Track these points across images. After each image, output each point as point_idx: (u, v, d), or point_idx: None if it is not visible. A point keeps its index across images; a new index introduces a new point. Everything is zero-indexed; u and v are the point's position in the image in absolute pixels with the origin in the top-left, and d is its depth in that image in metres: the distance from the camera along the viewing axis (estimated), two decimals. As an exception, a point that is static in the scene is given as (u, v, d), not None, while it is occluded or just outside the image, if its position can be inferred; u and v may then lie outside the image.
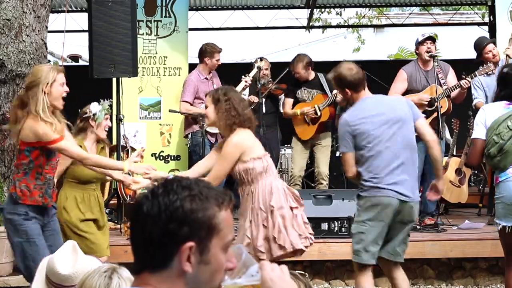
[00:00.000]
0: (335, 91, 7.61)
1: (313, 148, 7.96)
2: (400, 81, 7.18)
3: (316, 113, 7.75)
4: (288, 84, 8.08)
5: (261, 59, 7.89)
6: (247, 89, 7.89)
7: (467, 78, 6.89)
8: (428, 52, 7.06)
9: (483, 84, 7.16)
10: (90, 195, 5.29)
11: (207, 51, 7.78)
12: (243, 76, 7.77)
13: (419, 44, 7.16)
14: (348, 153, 4.71)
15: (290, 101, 7.98)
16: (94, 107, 5.28)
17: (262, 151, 4.69)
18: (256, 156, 4.60)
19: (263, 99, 7.88)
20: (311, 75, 7.91)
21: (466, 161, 5.89)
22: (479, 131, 4.89)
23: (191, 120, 7.70)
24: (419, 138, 7.03)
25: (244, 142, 4.60)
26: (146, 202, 1.65)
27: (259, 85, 7.67)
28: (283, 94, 8.07)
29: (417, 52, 7.24)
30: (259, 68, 7.69)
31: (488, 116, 4.85)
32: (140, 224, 1.65)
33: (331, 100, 7.73)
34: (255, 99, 7.78)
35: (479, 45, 7.33)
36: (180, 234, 1.62)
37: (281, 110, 8.15)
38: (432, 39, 7.13)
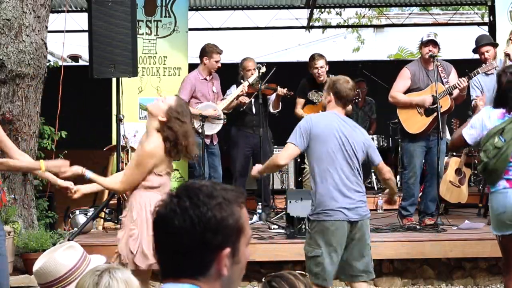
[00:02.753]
0: None
1: None
2: (403, 79, 7.18)
3: None
4: (302, 84, 8.08)
5: (263, 65, 7.85)
6: (246, 85, 7.87)
7: (463, 78, 6.90)
8: (427, 53, 7.07)
9: (482, 84, 7.16)
10: None
11: (206, 51, 7.76)
12: (243, 82, 7.81)
13: (422, 44, 7.16)
14: None
15: (301, 101, 7.99)
16: None
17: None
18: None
19: (253, 100, 7.90)
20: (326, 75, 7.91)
21: (449, 144, 5.69)
22: (470, 135, 4.73)
23: None
24: (418, 136, 7.09)
25: (158, 151, 4.36)
26: (176, 216, 1.69)
27: (260, 86, 7.66)
28: (273, 94, 8.04)
29: (420, 51, 7.26)
30: (259, 69, 7.69)
31: (487, 122, 4.67)
32: (173, 237, 1.69)
33: None
34: (246, 99, 7.80)
35: (479, 42, 7.34)
36: (215, 243, 1.68)
37: (271, 110, 8.14)
38: (435, 42, 7.11)
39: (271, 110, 8.15)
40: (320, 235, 4.69)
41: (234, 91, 7.90)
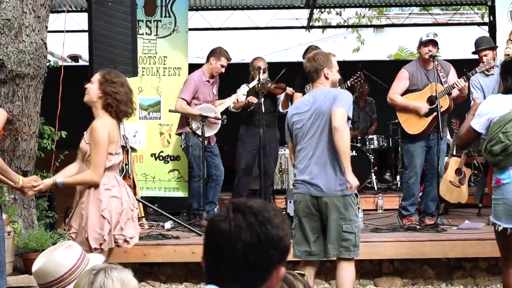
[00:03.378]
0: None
1: None
2: (402, 79, 7.19)
3: None
4: (297, 78, 8.10)
5: (264, 71, 7.85)
6: (245, 90, 7.91)
7: (461, 79, 6.89)
8: (427, 53, 7.07)
9: (482, 84, 7.16)
10: None
11: (216, 52, 7.78)
12: (243, 86, 7.83)
13: (421, 44, 7.16)
14: None
15: (299, 95, 7.98)
16: None
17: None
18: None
19: (262, 99, 7.89)
20: None
21: (458, 142, 5.66)
22: (478, 123, 4.72)
23: (184, 121, 7.71)
24: (418, 136, 7.09)
25: (107, 123, 4.65)
26: (243, 231, 1.75)
27: (260, 85, 7.67)
28: (282, 94, 8.07)
29: (419, 51, 7.25)
30: (259, 68, 7.70)
31: (494, 109, 4.65)
32: (239, 251, 1.75)
33: None
34: (254, 99, 7.79)
35: (478, 45, 7.34)
36: (274, 260, 1.76)
37: (280, 110, 8.17)
38: (435, 42, 7.12)
39: (280, 110, 8.17)
40: (294, 206, 5.01)
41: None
